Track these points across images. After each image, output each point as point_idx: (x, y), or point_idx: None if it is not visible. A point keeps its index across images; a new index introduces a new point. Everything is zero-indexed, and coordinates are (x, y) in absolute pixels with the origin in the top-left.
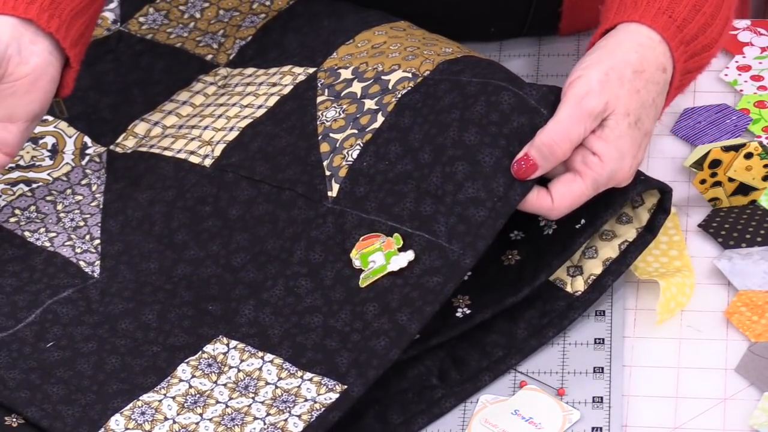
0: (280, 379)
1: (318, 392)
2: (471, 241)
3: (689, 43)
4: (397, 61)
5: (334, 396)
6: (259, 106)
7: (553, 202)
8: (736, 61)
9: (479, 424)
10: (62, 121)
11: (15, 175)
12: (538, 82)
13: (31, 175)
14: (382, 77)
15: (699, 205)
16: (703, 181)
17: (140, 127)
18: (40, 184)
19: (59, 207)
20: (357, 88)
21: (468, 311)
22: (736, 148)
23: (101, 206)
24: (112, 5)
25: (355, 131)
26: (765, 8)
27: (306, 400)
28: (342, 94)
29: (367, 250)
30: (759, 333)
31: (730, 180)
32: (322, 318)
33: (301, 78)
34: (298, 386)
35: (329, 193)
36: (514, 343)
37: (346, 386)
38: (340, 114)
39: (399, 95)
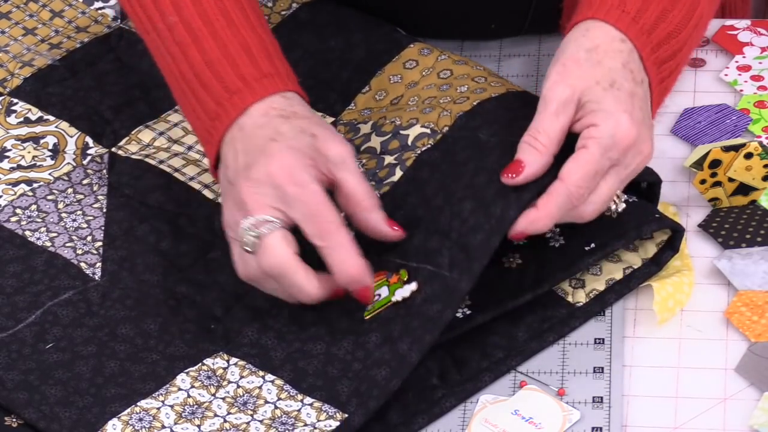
0: (279, 399)
1: (318, 418)
2: (468, 266)
3: (644, 23)
4: (414, 115)
5: (334, 424)
6: None
7: (563, 180)
8: (736, 61)
9: (479, 424)
10: (64, 121)
11: (16, 175)
12: (538, 82)
13: (32, 174)
14: (401, 132)
15: (699, 205)
16: (703, 181)
17: (144, 134)
18: (41, 183)
19: (60, 206)
20: (376, 143)
21: (468, 312)
22: (736, 148)
23: (104, 209)
24: (113, 1)
25: (373, 183)
26: (765, 8)
27: (305, 425)
28: (362, 148)
29: (373, 285)
30: (759, 333)
31: (730, 180)
32: (325, 346)
33: None
34: (298, 410)
35: None
36: (514, 345)
37: (347, 415)
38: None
39: (419, 152)
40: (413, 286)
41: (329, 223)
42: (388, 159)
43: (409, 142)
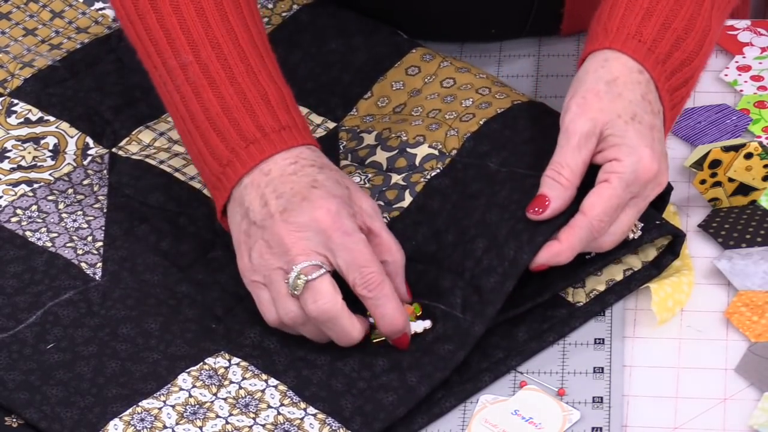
0: (282, 405)
1: (321, 430)
2: (481, 309)
3: (659, 53)
4: (421, 131)
5: None
6: None
7: (585, 214)
8: (736, 61)
9: (479, 424)
10: (64, 122)
11: (17, 175)
12: (538, 83)
13: (32, 175)
14: (408, 149)
15: (699, 205)
16: (703, 181)
17: (145, 135)
18: (42, 184)
19: (61, 206)
20: (382, 158)
21: None
22: (736, 148)
23: (104, 209)
24: None
25: (381, 204)
26: (765, 8)
27: None
28: (366, 162)
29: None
30: (759, 333)
31: (730, 180)
32: (330, 358)
33: (321, 132)
34: (301, 418)
35: None
36: (514, 345)
37: None
38: (365, 183)
39: (428, 176)
40: (427, 324)
41: (375, 274)
42: (396, 178)
43: (417, 163)
